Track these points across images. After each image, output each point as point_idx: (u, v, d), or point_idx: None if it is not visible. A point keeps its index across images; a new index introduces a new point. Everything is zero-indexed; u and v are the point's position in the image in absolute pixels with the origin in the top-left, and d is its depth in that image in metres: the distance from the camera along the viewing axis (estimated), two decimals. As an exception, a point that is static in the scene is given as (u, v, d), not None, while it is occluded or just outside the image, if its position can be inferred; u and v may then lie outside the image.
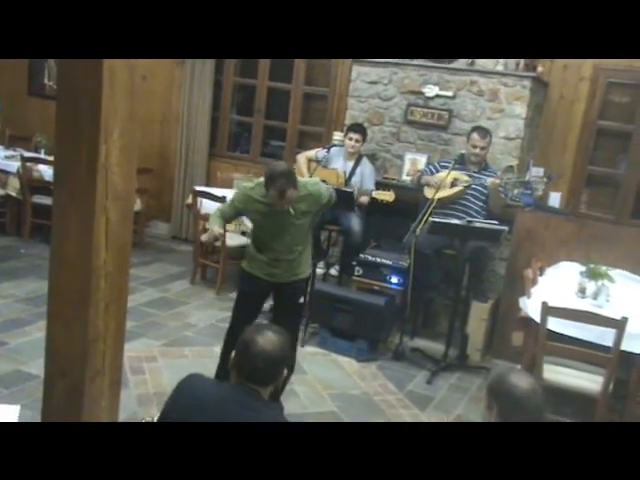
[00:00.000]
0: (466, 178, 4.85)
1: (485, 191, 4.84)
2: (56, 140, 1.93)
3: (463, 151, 4.96)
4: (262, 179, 3.31)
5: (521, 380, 2.00)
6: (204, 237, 4.04)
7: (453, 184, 4.88)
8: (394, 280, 5.04)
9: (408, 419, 3.88)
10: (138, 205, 6.57)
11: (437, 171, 5.00)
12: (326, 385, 4.11)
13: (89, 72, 1.78)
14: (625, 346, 3.41)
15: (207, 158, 7.00)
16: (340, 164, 5.32)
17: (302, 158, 5.53)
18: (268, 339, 2.03)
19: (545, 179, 4.92)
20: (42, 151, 6.61)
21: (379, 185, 5.30)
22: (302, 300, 3.70)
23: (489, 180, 4.78)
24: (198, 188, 5.88)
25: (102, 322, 2.10)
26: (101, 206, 1.98)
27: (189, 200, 5.92)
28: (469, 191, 4.86)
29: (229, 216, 3.69)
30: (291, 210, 3.31)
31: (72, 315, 2.07)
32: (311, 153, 5.50)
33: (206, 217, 5.62)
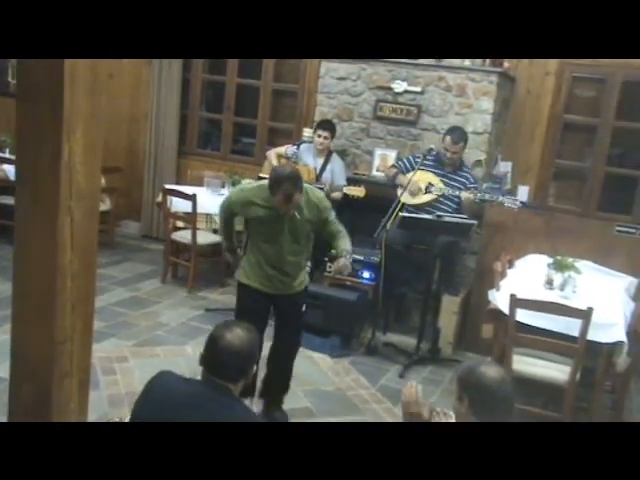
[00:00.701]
0: (440, 186, 4.80)
1: (458, 193, 4.81)
2: (17, 139, 1.91)
3: (432, 146, 4.98)
4: (261, 182, 3.21)
5: (490, 370, 2.02)
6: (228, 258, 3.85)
7: (427, 190, 4.86)
8: (366, 275, 5.06)
9: (381, 413, 3.91)
10: (107, 205, 6.52)
11: (411, 166, 4.93)
12: (300, 381, 4.11)
13: (50, 70, 1.75)
14: (591, 336, 3.47)
15: (177, 156, 6.95)
16: (310, 160, 5.32)
17: (272, 155, 5.52)
18: (235, 335, 2.03)
19: (518, 203, 4.82)
20: (7, 150, 6.49)
21: (350, 181, 5.31)
22: (304, 308, 3.61)
23: (463, 194, 4.69)
24: (168, 186, 5.84)
25: (69, 323, 2.08)
26: (65, 206, 1.96)
27: (159, 199, 5.88)
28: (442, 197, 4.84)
29: (229, 221, 3.58)
30: (297, 215, 3.22)
31: (38, 317, 2.04)
32: (281, 149, 5.50)
33: (176, 215, 5.60)
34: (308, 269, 3.86)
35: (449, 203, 4.83)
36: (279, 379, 3.65)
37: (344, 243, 3.45)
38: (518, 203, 4.67)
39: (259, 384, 3.60)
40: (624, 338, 3.56)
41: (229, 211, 3.49)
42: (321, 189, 4.81)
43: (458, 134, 4.81)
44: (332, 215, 3.46)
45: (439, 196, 4.80)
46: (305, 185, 3.27)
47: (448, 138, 4.80)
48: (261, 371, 3.43)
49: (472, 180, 4.83)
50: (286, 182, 3.06)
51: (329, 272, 5.06)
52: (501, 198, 4.71)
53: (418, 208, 4.82)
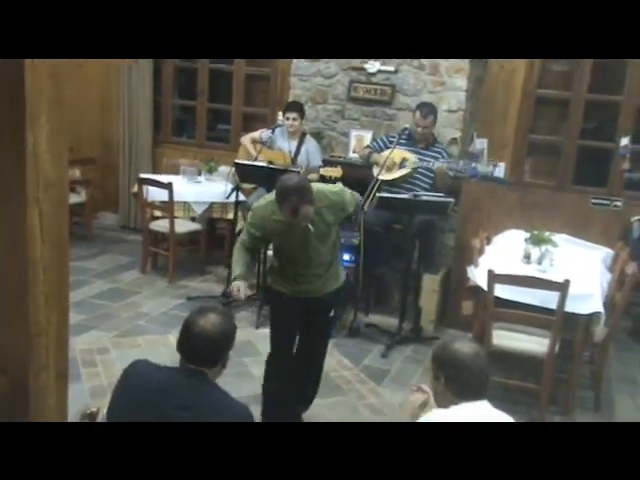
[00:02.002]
0: (414, 160, 4.85)
1: (433, 168, 4.87)
2: (-23, 129, 1.86)
3: (407, 125, 4.98)
4: (272, 196, 2.99)
5: (463, 346, 2.04)
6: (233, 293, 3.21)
7: (402, 164, 4.90)
8: (346, 257, 5.05)
9: (365, 393, 3.93)
10: (83, 196, 6.45)
11: (385, 146, 5.00)
12: (282, 365, 4.12)
13: (8, 57, 1.71)
14: (569, 307, 3.51)
15: (152, 145, 6.87)
16: (285, 144, 5.30)
17: (247, 140, 5.49)
18: (209, 320, 2.03)
19: (490, 167, 4.91)
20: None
21: (326, 163, 5.30)
22: (333, 313, 3.40)
23: (437, 165, 4.78)
24: (143, 176, 5.78)
25: (43, 316, 2.06)
26: (33, 197, 1.93)
27: (135, 189, 5.82)
28: (417, 170, 4.88)
29: (252, 247, 3.26)
30: (310, 227, 2.96)
31: (11, 310, 2.02)
32: (255, 134, 5.47)
33: (153, 205, 5.55)
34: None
35: (424, 179, 4.87)
36: (298, 387, 3.37)
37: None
38: (472, 166, 4.75)
39: None
40: (601, 309, 3.61)
41: (251, 237, 3.16)
42: (297, 172, 4.81)
43: (426, 109, 4.87)
44: (353, 204, 3.26)
45: (414, 170, 4.84)
46: (321, 188, 3.09)
47: (417, 113, 4.87)
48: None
49: (445, 155, 4.89)
50: (292, 195, 2.82)
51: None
52: (461, 163, 4.79)
53: (394, 185, 4.83)
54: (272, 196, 3.00)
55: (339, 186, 3.35)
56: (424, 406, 2.32)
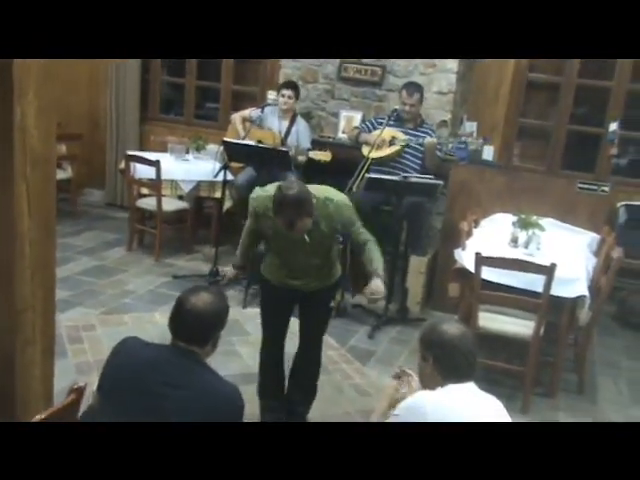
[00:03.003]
0: (403, 137, 4.87)
1: (422, 148, 4.88)
2: (-36, 102, 1.84)
3: (397, 107, 4.97)
4: (271, 189, 2.80)
5: (451, 327, 2.05)
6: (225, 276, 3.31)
7: (391, 142, 4.90)
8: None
9: (351, 373, 3.95)
10: (69, 172, 6.39)
11: (374, 127, 5.01)
12: (269, 345, 4.13)
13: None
14: (555, 291, 3.53)
15: (139, 122, 6.80)
16: (275, 124, 5.27)
17: (237, 118, 5.45)
18: (201, 298, 2.02)
19: (480, 141, 4.96)
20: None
21: (315, 144, 5.28)
22: (332, 304, 3.27)
23: (427, 140, 4.81)
24: (130, 152, 5.73)
25: (29, 291, 2.05)
26: (20, 172, 1.92)
27: (122, 165, 5.77)
28: (406, 149, 4.89)
29: (254, 230, 3.06)
30: (306, 237, 2.75)
31: (-3, 285, 2.01)
32: (245, 113, 5.43)
33: (140, 182, 5.51)
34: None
35: (413, 159, 4.88)
36: (297, 384, 3.31)
37: (374, 259, 2.94)
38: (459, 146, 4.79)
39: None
40: (586, 292, 3.63)
41: (253, 217, 2.99)
42: (286, 152, 4.80)
43: (412, 87, 4.90)
44: (357, 225, 2.97)
45: (403, 147, 4.84)
46: (325, 196, 2.83)
47: (403, 92, 4.89)
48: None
49: (433, 135, 4.92)
50: (290, 207, 2.60)
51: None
52: (450, 146, 4.85)
53: (383, 164, 4.83)
54: (270, 190, 2.80)
55: (342, 197, 2.95)
56: (399, 395, 2.32)
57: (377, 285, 2.88)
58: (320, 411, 3.40)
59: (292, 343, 3.29)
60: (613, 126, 4.97)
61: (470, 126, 5.52)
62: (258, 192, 2.93)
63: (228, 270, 3.26)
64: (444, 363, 2.01)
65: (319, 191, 2.83)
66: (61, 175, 6.20)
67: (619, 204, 5.12)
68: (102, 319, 4.24)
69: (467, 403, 1.95)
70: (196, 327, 2.01)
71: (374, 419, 2.16)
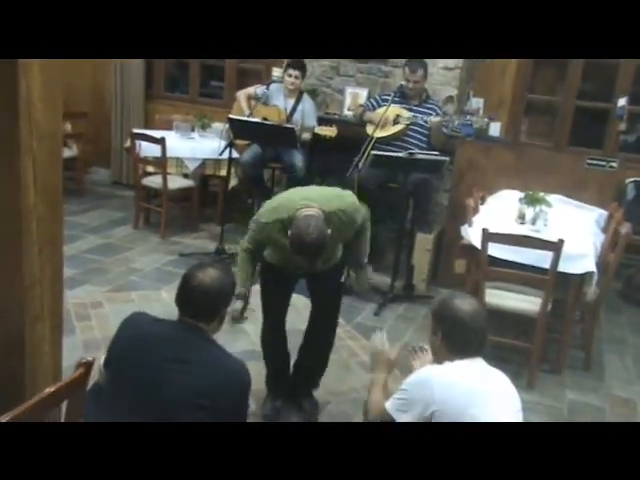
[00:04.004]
0: (408, 115, 4.82)
1: (427, 125, 4.84)
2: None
3: (403, 82, 4.93)
4: (275, 214, 2.71)
5: (464, 303, 2.04)
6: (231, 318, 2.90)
7: (395, 121, 4.86)
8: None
9: (357, 350, 3.96)
10: (74, 151, 6.38)
11: (378, 105, 4.97)
12: (276, 322, 4.14)
13: (0, 1, 1.67)
14: (562, 267, 3.52)
15: (144, 100, 6.78)
16: (280, 101, 5.23)
17: (242, 95, 5.41)
18: (207, 274, 2.02)
19: (485, 120, 4.91)
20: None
21: (321, 120, 5.25)
22: (342, 279, 3.17)
23: (431, 118, 4.76)
24: (136, 130, 5.71)
25: (37, 267, 2.05)
26: (26, 146, 1.90)
27: (127, 144, 5.76)
28: (411, 126, 4.86)
29: (254, 256, 2.95)
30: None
31: (5, 261, 2.01)
32: (250, 90, 5.39)
33: (146, 160, 5.49)
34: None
35: (419, 136, 4.85)
36: (305, 363, 3.27)
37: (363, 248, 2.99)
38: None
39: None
40: (594, 269, 3.62)
41: (255, 242, 2.89)
42: (292, 129, 4.76)
43: (415, 63, 4.84)
44: (365, 223, 2.97)
45: (408, 125, 4.80)
46: (337, 208, 2.72)
47: (406, 69, 4.84)
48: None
49: (439, 111, 4.88)
50: (308, 253, 2.54)
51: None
52: (456, 122, 4.80)
53: (388, 143, 4.80)
54: (273, 215, 2.73)
55: (350, 201, 2.86)
56: (415, 361, 2.33)
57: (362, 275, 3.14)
58: (326, 387, 3.42)
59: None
60: (622, 101, 4.93)
61: (477, 102, 5.48)
62: (260, 221, 2.78)
63: (236, 307, 2.91)
64: (453, 339, 2.00)
65: (329, 201, 2.72)
66: (67, 153, 6.19)
67: (627, 180, 5.08)
68: (109, 296, 4.26)
69: (474, 378, 1.95)
70: (203, 303, 2.01)
71: (378, 391, 2.16)
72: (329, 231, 2.57)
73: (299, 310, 4.43)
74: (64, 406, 1.85)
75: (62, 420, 1.84)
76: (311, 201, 2.67)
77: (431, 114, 4.81)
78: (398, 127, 4.84)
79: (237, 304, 2.90)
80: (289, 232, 2.57)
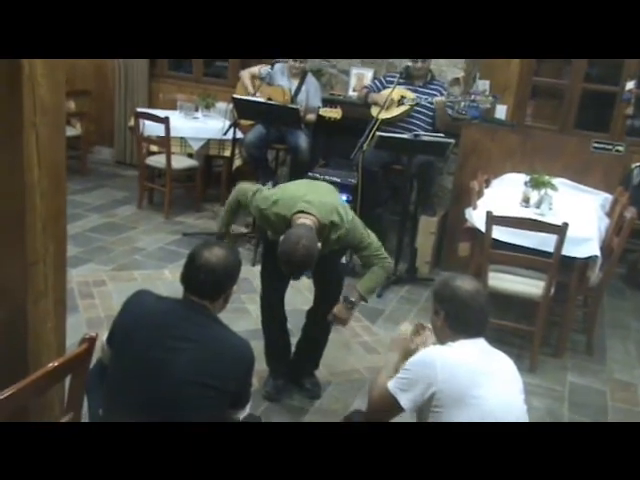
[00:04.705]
0: (413, 96, 4.80)
1: (432, 106, 4.82)
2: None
3: (409, 63, 4.89)
4: (275, 207, 2.74)
5: (465, 283, 2.03)
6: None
7: (400, 102, 4.84)
8: (343, 197, 5.03)
9: (359, 331, 3.97)
10: (78, 129, 6.36)
11: (383, 86, 4.95)
12: (278, 302, 4.15)
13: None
14: (566, 251, 3.51)
15: (148, 79, 6.73)
16: (285, 82, 5.20)
17: (246, 75, 5.37)
18: (213, 253, 2.01)
19: (490, 98, 4.90)
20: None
21: (326, 102, 5.22)
22: (343, 260, 3.11)
23: (436, 99, 4.75)
24: (140, 109, 5.68)
25: (41, 243, 2.05)
26: (29, 121, 1.89)
27: (131, 123, 5.73)
28: (416, 108, 4.83)
29: (235, 210, 3.03)
30: None
31: (8, 237, 2.01)
32: (254, 70, 5.35)
33: (149, 140, 5.48)
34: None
35: (424, 118, 4.83)
36: (307, 343, 3.29)
37: (367, 281, 2.86)
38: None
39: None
40: (598, 253, 3.61)
41: (239, 203, 2.95)
42: (296, 109, 4.74)
43: None
44: (367, 247, 2.82)
45: (412, 107, 4.78)
46: (331, 221, 2.70)
47: None
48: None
49: (444, 92, 4.86)
50: (294, 266, 2.55)
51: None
52: (462, 104, 4.79)
53: (393, 124, 4.78)
54: (277, 207, 2.74)
55: (349, 219, 2.79)
56: (415, 338, 2.33)
57: (340, 310, 2.89)
58: (328, 368, 3.43)
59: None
60: (629, 85, 4.89)
61: (483, 84, 5.44)
62: (259, 207, 2.80)
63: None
64: (455, 319, 2.00)
65: (327, 213, 2.70)
66: (70, 132, 6.16)
67: (634, 165, 5.05)
68: (112, 275, 4.27)
69: (477, 359, 1.95)
70: (208, 281, 2.00)
71: (386, 373, 2.16)
72: (319, 245, 2.56)
73: (300, 290, 4.44)
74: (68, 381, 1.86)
75: (65, 394, 1.85)
76: (311, 206, 2.67)
77: (436, 95, 4.79)
78: (403, 108, 4.81)
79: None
80: (280, 240, 2.57)
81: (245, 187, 2.96)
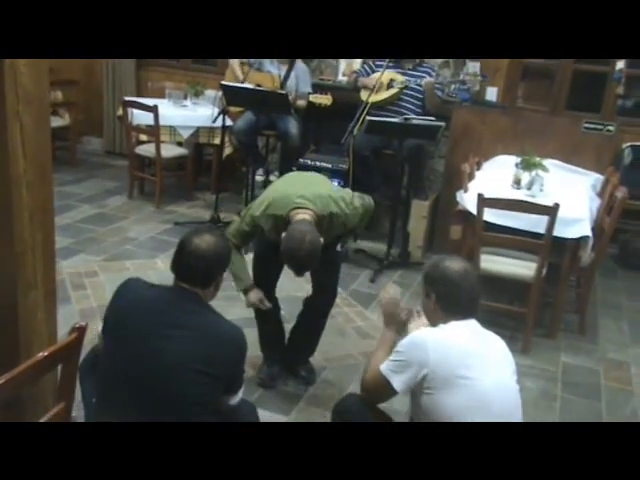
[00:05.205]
0: (402, 79, 4.79)
1: (421, 89, 4.80)
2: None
3: (398, 47, 4.86)
4: (270, 209, 2.70)
5: (454, 263, 2.04)
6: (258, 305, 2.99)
7: (390, 85, 4.82)
8: (334, 183, 5.02)
9: (353, 316, 3.97)
10: (66, 120, 6.31)
11: (372, 71, 4.92)
12: (271, 289, 4.14)
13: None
14: (557, 232, 3.51)
15: (135, 67, 6.68)
16: (274, 68, 5.16)
17: (235, 62, 5.34)
18: (204, 239, 2.01)
19: (479, 78, 4.89)
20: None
21: (315, 87, 5.19)
22: (339, 248, 3.11)
23: (425, 80, 4.75)
24: (128, 98, 5.64)
25: (28, 233, 2.03)
26: (12, 111, 1.87)
27: (119, 112, 5.69)
28: (406, 91, 4.81)
29: (243, 244, 2.93)
30: None
31: (-5, 229, 1.99)
32: (243, 56, 5.31)
33: (138, 129, 5.44)
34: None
35: (413, 101, 4.82)
36: (302, 335, 3.26)
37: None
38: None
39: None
40: (589, 233, 3.62)
41: (244, 233, 2.84)
42: (285, 95, 4.71)
43: None
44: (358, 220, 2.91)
45: (402, 89, 4.76)
46: (330, 212, 2.71)
47: None
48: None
49: (432, 74, 4.87)
50: (298, 264, 2.54)
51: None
52: (452, 87, 4.83)
53: (383, 108, 4.76)
54: (272, 208, 2.71)
55: (346, 203, 2.80)
56: (397, 306, 2.33)
57: None
58: (322, 354, 3.43)
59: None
60: (620, 64, 4.87)
61: (473, 67, 5.41)
62: (254, 215, 2.75)
63: (256, 298, 2.95)
64: (446, 300, 2.00)
65: (324, 205, 2.69)
66: (59, 123, 6.13)
67: (624, 145, 5.05)
68: (104, 266, 4.25)
69: (469, 340, 1.96)
70: (198, 268, 2.00)
71: (380, 351, 2.16)
72: (321, 239, 2.54)
73: (294, 277, 4.43)
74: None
75: (58, 383, 1.84)
76: (306, 200, 2.65)
77: (424, 77, 4.77)
78: (392, 91, 4.80)
79: (252, 296, 2.92)
80: (282, 238, 2.54)
81: (229, 230, 2.89)
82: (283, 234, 2.56)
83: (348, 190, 3.04)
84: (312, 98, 4.93)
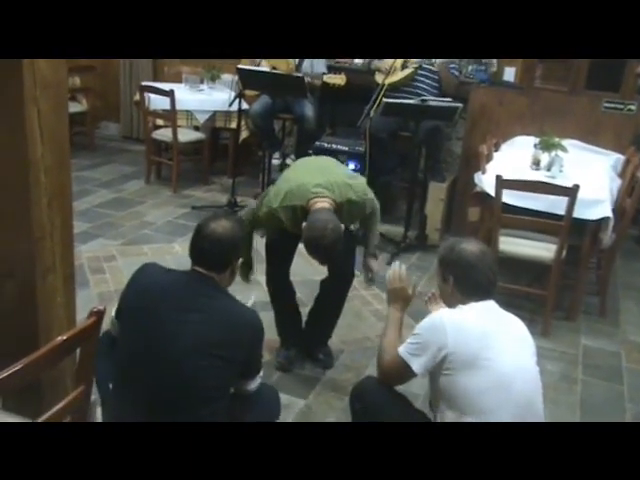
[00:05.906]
0: (416, 59, 4.73)
1: (435, 69, 4.76)
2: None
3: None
4: (286, 200, 2.69)
5: (470, 245, 2.02)
6: None
7: (404, 66, 4.78)
8: (351, 166, 4.99)
9: (369, 299, 3.97)
10: (84, 105, 6.34)
11: (388, 52, 4.88)
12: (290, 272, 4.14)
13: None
14: (578, 213, 3.47)
15: (152, 52, 6.67)
16: (289, 49, 5.13)
17: (250, 45, 5.31)
18: (220, 224, 2.01)
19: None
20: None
21: (330, 69, 5.16)
22: (352, 228, 3.14)
23: (438, 61, 4.70)
24: (144, 83, 5.64)
25: (47, 218, 2.04)
26: (30, 96, 1.87)
27: (136, 97, 5.70)
28: (420, 72, 4.77)
29: (257, 228, 2.97)
30: None
31: (14, 214, 2.00)
32: (259, 39, 5.28)
33: (155, 113, 5.44)
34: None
35: (430, 82, 4.79)
36: (319, 318, 3.26)
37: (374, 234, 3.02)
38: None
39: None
40: (610, 214, 3.57)
41: (254, 223, 2.91)
42: (301, 78, 4.68)
43: None
44: (374, 215, 2.99)
45: (416, 69, 4.72)
46: (347, 198, 2.72)
47: None
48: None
49: None
50: (323, 254, 2.56)
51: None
52: (470, 68, 4.81)
53: (399, 90, 4.72)
54: (289, 199, 2.70)
55: (362, 189, 2.84)
56: (402, 281, 2.33)
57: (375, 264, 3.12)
58: (340, 337, 3.43)
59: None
60: (641, 42, 4.76)
61: (490, 47, 5.34)
62: (271, 207, 2.73)
63: None
64: (464, 282, 1.99)
65: (341, 192, 2.70)
66: (76, 108, 6.15)
67: (645, 125, 4.96)
68: (122, 250, 4.28)
69: (487, 320, 1.95)
70: (214, 252, 2.00)
71: (391, 332, 2.16)
72: (342, 227, 2.55)
73: (310, 261, 4.43)
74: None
75: (76, 366, 1.85)
76: (324, 189, 2.65)
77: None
78: (407, 71, 4.76)
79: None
80: (304, 228, 2.55)
81: (244, 216, 2.94)
82: (304, 224, 2.56)
83: (361, 177, 3.03)
84: (326, 78, 4.90)
